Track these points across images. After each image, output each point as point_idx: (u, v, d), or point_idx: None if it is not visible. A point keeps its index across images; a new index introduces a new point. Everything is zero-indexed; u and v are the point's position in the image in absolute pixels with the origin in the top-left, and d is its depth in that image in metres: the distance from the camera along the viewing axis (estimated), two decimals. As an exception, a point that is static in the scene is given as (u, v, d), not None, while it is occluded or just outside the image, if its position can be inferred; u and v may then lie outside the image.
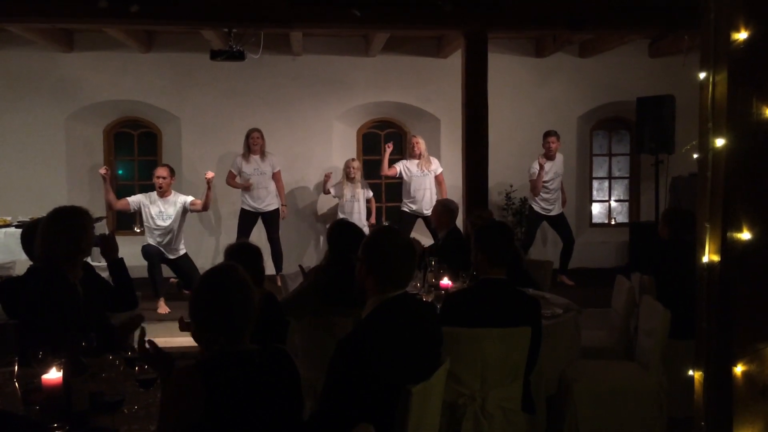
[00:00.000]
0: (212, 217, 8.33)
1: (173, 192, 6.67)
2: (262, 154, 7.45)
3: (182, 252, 6.74)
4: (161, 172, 6.54)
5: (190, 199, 6.66)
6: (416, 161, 7.64)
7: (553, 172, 7.55)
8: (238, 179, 7.44)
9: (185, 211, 6.63)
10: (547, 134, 7.51)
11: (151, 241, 6.57)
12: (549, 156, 7.51)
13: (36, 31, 6.98)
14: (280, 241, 7.56)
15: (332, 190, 7.67)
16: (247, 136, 7.39)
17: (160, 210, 6.54)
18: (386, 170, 7.72)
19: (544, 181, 7.51)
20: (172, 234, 6.58)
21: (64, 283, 3.09)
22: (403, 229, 7.39)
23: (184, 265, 6.75)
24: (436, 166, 7.69)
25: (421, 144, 7.65)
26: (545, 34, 7.73)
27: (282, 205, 7.63)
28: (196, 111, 8.18)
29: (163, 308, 6.56)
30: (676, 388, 3.69)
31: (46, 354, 2.37)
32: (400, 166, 7.71)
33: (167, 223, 6.53)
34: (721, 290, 2.32)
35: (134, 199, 6.63)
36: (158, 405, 2.42)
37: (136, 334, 2.83)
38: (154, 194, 6.59)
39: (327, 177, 7.70)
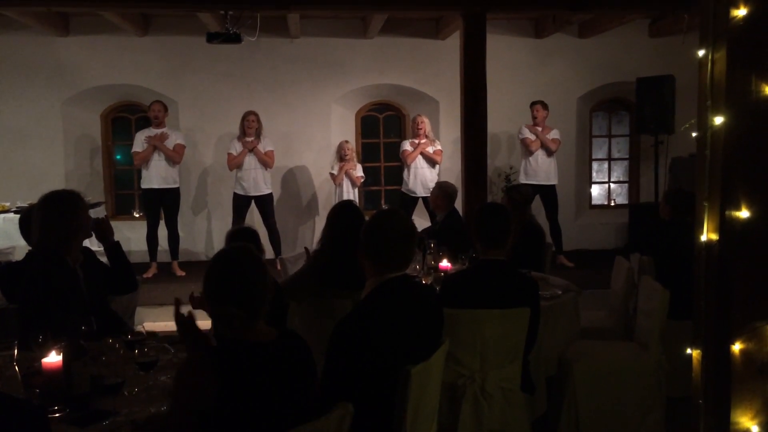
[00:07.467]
0: (207, 202, 8.34)
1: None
2: (258, 138, 7.31)
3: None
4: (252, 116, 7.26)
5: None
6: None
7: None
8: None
9: None
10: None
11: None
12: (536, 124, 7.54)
13: (31, 14, 6.92)
14: (276, 225, 7.49)
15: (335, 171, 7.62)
16: (243, 119, 7.27)
17: None
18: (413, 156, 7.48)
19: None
20: None
21: (64, 267, 3.10)
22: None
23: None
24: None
25: (426, 123, 7.44)
26: (544, 14, 7.68)
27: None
28: (193, 94, 8.14)
29: None
30: (674, 368, 3.71)
31: (45, 338, 2.38)
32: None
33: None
34: (720, 269, 2.32)
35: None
36: (158, 387, 2.44)
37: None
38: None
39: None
